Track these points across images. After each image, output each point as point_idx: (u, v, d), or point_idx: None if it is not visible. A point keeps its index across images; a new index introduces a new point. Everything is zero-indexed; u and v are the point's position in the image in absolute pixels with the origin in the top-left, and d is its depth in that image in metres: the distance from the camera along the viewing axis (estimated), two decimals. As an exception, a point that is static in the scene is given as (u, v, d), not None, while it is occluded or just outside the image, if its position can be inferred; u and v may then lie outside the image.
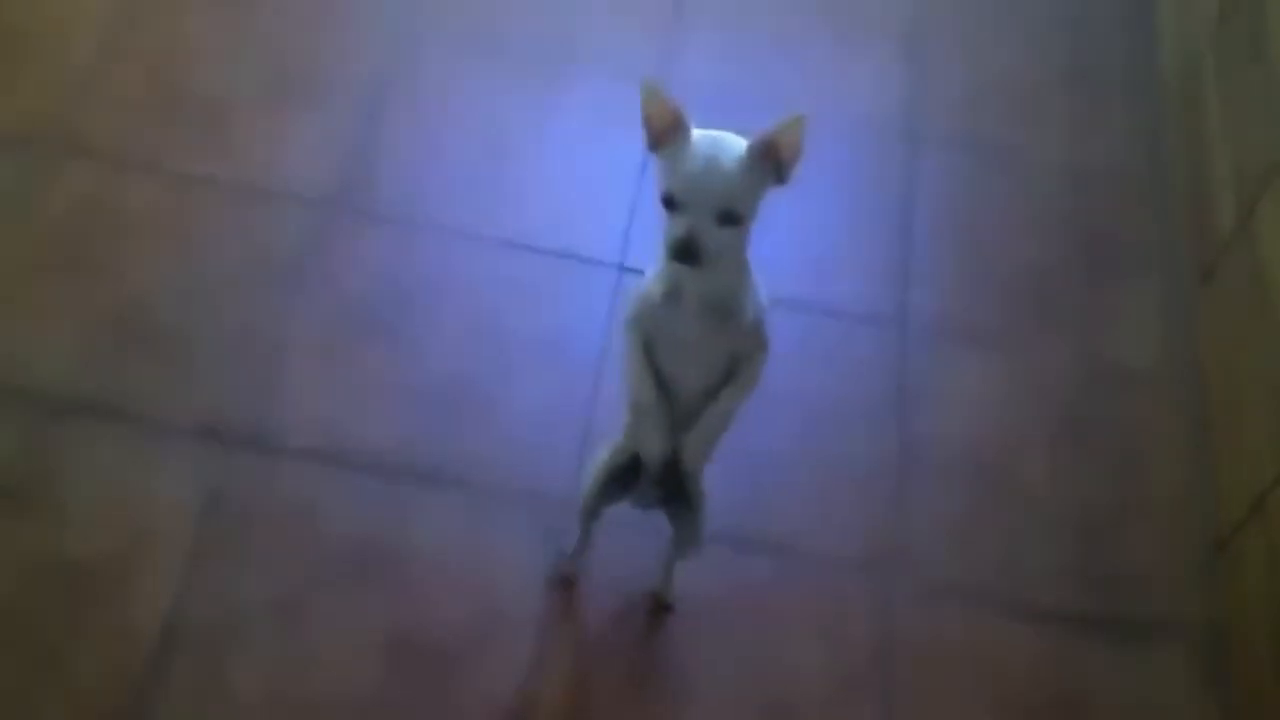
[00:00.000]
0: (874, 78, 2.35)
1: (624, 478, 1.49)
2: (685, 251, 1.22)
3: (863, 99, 2.31)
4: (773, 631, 1.73)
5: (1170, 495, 1.92)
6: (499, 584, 1.71)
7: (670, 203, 1.23)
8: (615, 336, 1.39)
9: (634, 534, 1.71)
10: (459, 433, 1.84)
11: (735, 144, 1.23)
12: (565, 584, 1.72)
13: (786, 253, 2.10)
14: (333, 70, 2.20)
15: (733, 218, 1.22)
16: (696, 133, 1.23)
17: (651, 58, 2.31)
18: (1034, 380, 2.01)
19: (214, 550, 1.69)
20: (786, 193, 2.27)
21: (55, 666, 1.59)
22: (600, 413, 1.86)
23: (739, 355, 1.35)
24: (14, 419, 1.77)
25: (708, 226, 1.22)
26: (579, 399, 1.88)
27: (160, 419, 1.79)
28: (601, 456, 1.51)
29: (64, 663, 1.59)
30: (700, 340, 1.33)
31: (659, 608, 1.72)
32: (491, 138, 2.16)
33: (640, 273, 2.03)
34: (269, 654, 1.63)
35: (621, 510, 1.55)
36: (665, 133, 1.24)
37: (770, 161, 1.23)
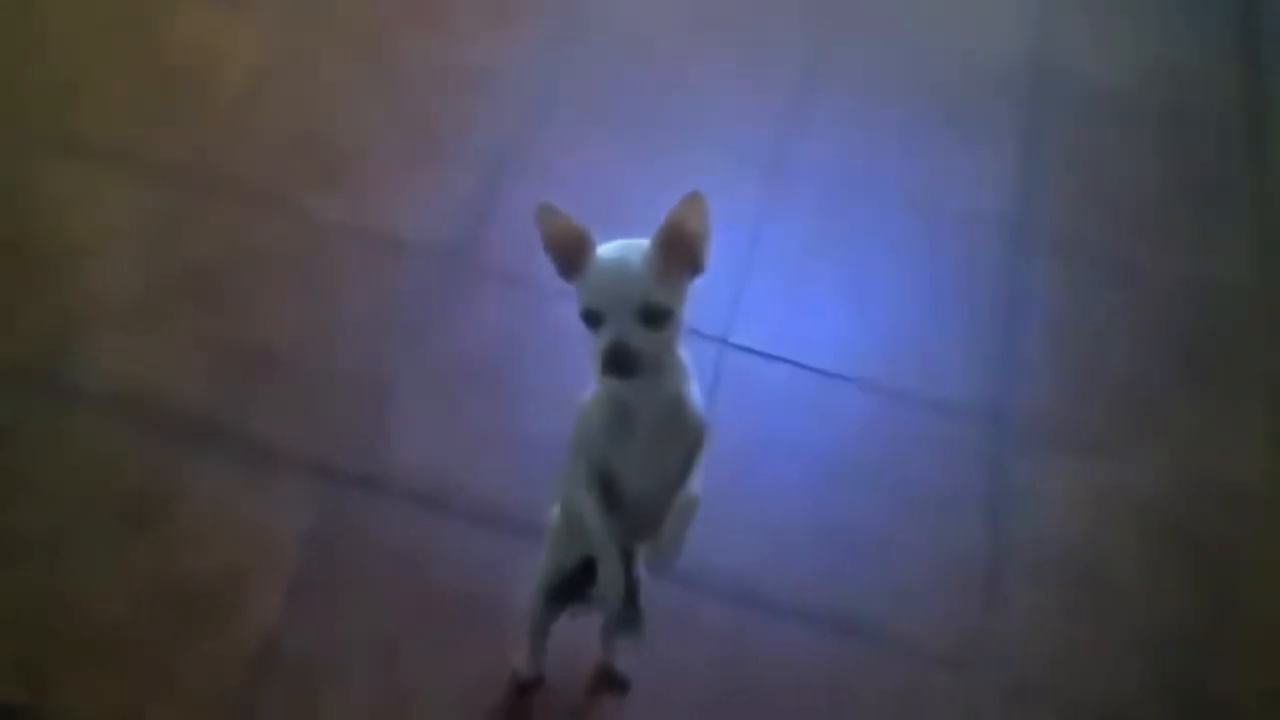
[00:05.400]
0: (989, 176, 2.38)
1: (567, 588, 1.45)
2: (617, 362, 1.16)
3: (976, 195, 2.35)
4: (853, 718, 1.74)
5: (1269, 620, 1.91)
6: (592, 645, 1.74)
7: (590, 318, 1.18)
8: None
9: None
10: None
11: (639, 243, 1.19)
12: (532, 687, 1.69)
13: (890, 340, 2.13)
14: (466, 130, 2.28)
15: (655, 315, 1.17)
16: (601, 246, 1.20)
17: (769, 141, 2.36)
18: (1133, 489, 2.02)
19: (316, 583, 1.74)
20: (893, 281, 2.27)
21: (166, 683, 1.63)
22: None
23: (690, 446, 1.28)
24: (144, 440, 1.84)
25: (632, 330, 1.16)
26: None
27: (277, 450, 1.85)
28: (543, 572, 1.48)
29: (174, 681, 1.64)
30: (657, 452, 1.26)
31: (613, 683, 1.70)
32: (607, 206, 2.19)
33: (747, 350, 2.09)
34: (363, 692, 1.66)
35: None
36: (573, 255, 1.20)
37: (679, 249, 1.18)
